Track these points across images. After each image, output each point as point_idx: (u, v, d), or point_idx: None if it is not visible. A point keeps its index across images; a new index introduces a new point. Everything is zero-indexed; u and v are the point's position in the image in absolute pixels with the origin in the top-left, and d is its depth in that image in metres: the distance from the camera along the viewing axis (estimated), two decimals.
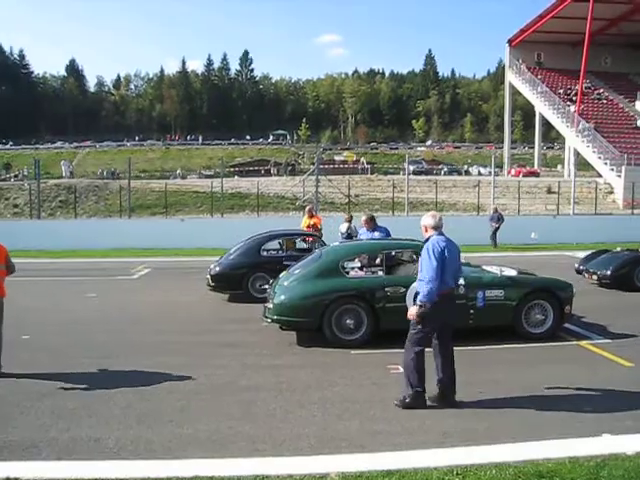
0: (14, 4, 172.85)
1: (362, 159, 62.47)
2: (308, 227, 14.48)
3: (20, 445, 4.72)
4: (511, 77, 52.91)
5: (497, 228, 21.62)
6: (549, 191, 35.60)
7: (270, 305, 8.12)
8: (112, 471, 4.23)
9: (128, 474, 4.18)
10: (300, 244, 13.36)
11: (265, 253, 12.53)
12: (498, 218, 21.78)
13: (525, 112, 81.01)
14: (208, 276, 11.82)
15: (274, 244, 12.92)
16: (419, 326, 5.58)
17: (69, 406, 5.63)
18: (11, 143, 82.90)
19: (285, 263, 10.57)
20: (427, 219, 5.79)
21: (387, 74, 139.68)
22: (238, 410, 5.53)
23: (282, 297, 8.02)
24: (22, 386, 6.27)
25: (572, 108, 43.24)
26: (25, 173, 52.48)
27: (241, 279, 11.56)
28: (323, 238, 13.15)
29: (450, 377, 5.68)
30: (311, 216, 14.93)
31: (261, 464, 4.36)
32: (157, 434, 4.96)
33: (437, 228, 5.72)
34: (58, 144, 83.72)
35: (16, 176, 52.13)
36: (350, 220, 14.18)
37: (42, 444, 4.74)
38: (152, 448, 4.69)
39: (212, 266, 12.01)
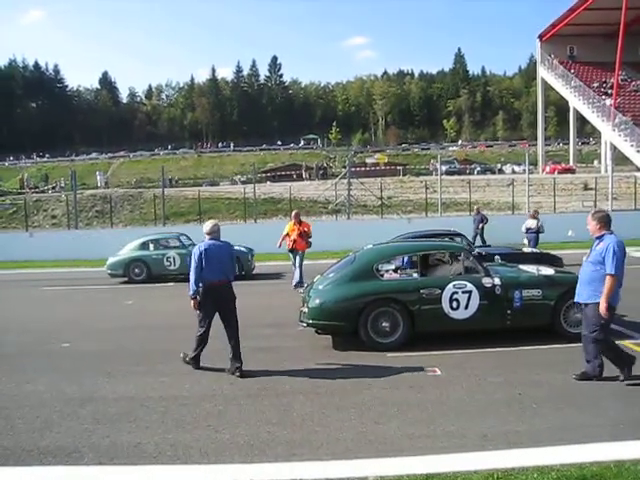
0: (49, 24, 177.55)
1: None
2: (299, 235, 13.91)
3: (63, 450, 4.81)
4: (543, 72, 52.02)
5: (482, 229, 20.68)
6: (586, 187, 34.87)
7: (305, 309, 8.13)
8: (152, 476, 4.28)
9: (168, 479, 4.21)
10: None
11: None
12: (482, 219, 20.87)
13: (558, 107, 79.75)
14: None
15: None
16: (197, 311, 7.07)
17: (109, 412, 5.72)
18: (48, 156, 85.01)
19: None
20: (206, 227, 7.20)
21: (417, 74, 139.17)
22: (275, 415, 5.54)
23: (317, 301, 8.01)
24: (63, 392, 6.39)
25: (608, 101, 42.28)
26: (62, 185, 53.68)
27: None
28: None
29: (235, 344, 7.03)
30: (300, 222, 14.21)
31: (299, 468, 4.36)
32: (195, 439, 4.99)
33: (211, 234, 7.09)
34: (93, 155, 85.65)
35: (54, 188, 53.37)
36: (536, 216, 13.81)
37: (84, 449, 4.82)
38: (190, 453, 4.72)
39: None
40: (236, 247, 15.02)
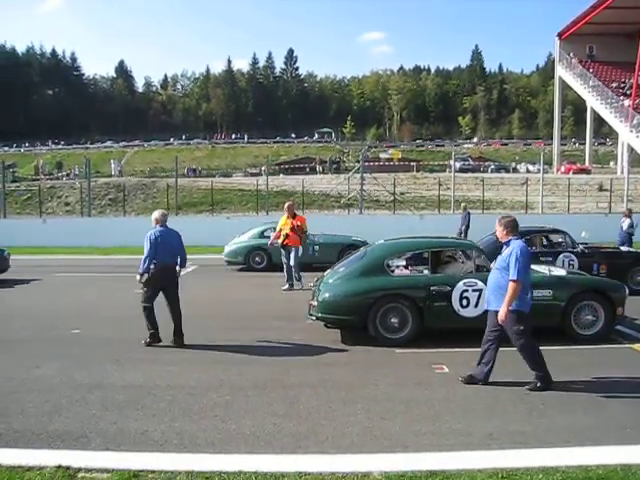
0: (67, 12, 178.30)
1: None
2: (291, 229, 12.81)
3: (71, 435, 4.86)
4: (561, 71, 51.56)
5: (464, 229, 20.26)
6: (601, 188, 34.56)
7: (315, 303, 8.14)
8: (158, 463, 4.31)
9: (173, 467, 4.25)
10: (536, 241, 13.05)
11: None
12: (466, 217, 20.52)
13: (576, 107, 79.08)
14: None
15: (528, 240, 12.55)
16: (145, 288, 7.89)
17: (117, 399, 5.77)
18: (63, 143, 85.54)
19: (541, 259, 11.16)
20: (154, 215, 8.15)
21: (433, 70, 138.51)
22: (282, 407, 5.55)
23: (327, 295, 8.03)
24: (73, 378, 6.45)
25: (626, 102, 41.85)
26: (76, 172, 54.02)
27: None
28: None
29: (178, 319, 7.91)
30: (293, 216, 13.03)
31: (304, 461, 4.37)
32: (202, 428, 5.02)
33: (160, 222, 8.01)
34: (108, 143, 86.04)
35: (68, 175, 53.71)
36: (630, 215, 13.46)
37: (92, 434, 4.87)
38: (197, 442, 4.75)
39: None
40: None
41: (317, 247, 16.08)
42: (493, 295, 6.07)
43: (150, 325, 7.92)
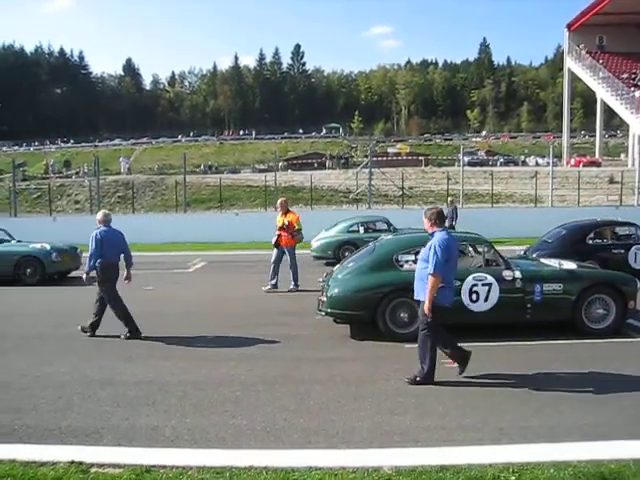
0: (75, 11, 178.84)
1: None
2: (281, 228, 12.11)
3: (83, 431, 4.90)
4: (570, 63, 51.11)
5: (453, 226, 19.75)
6: (611, 181, 34.25)
7: (324, 298, 8.14)
8: (169, 459, 4.33)
9: (185, 462, 4.27)
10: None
11: (591, 242, 12.54)
12: (454, 211, 20.17)
13: (585, 99, 78.31)
14: None
15: (599, 233, 12.81)
16: (102, 288, 8.26)
17: (129, 395, 5.81)
18: (72, 141, 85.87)
19: (614, 252, 11.48)
20: (98, 216, 8.57)
21: (440, 64, 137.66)
22: (292, 402, 5.57)
23: (336, 290, 8.03)
24: (84, 375, 6.50)
25: (637, 93, 41.43)
26: (85, 170, 54.18)
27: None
28: None
29: (101, 312, 8.33)
30: (286, 213, 12.28)
31: (314, 456, 4.38)
32: (212, 424, 5.05)
33: (104, 222, 8.40)
34: (116, 141, 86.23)
35: (77, 173, 53.91)
36: None
37: (103, 430, 4.91)
38: (207, 438, 4.78)
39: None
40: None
41: None
42: (419, 286, 6.13)
43: (126, 320, 8.23)
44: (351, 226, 16.61)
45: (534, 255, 11.57)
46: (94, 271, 8.20)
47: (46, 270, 13.70)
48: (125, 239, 8.55)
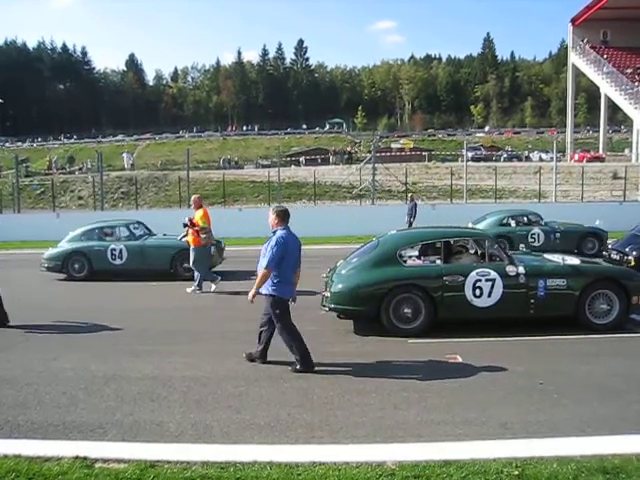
0: (78, 7, 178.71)
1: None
2: (191, 225, 11.35)
3: (88, 426, 4.93)
4: (574, 58, 50.89)
5: (410, 222, 20.04)
6: (615, 176, 34.17)
7: (327, 294, 8.15)
8: (173, 454, 4.35)
9: (189, 457, 4.29)
10: None
11: None
12: (413, 207, 20.27)
13: (589, 94, 78.10)
14: None
15: None
16: None
17: (133, 390, 5.83)
18: (75, 137, 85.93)
19: None
20: None
21: (444, 59, 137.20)
22: (296, 397, 5.58)
23: (339, 286, 8.03)
24: (89, 370, 6.52)
25: None
26: (88, 166, 54.26)
27: None
28: None
29: None
30: (197, 207, 11.70)
31: (318, 451, 4.40)
32: (216, 419, 5.06)
33: None
34: (119, 137, 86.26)
35: (80, 169, 53.99)
36: None
37: (108, 426, 4.93)
38: (212, 433, 4.80)
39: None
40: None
41: (558, 235, 16.05)
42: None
43: None
44: (502, 219, 16.49)
45: (626, 249, 11.53)
46: None
47: None
48: None
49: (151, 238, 13.89)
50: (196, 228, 11.28)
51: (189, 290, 11.41)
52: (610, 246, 13.22)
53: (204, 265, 11.59)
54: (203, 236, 11.27)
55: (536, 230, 15.88)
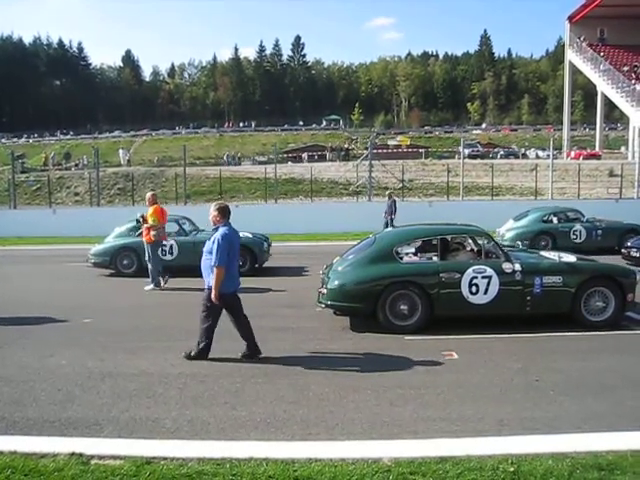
0: (74, 2, 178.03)
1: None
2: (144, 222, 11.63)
3: (84, 423, 4.92)
4: (571, 55, 50.93)
5: (390, 217, 20.04)
6: (611, 174, 34.17)
7: (324, 290, 8.15)
8: (169, 450, 4.35)
9: (185, 454, 4.29)
10: None
11: None
12: (392, 205, 20.20)
13: (586, 92, 78.07)
14: None
15: None
16: None
17: (129, 387, 5.82)
18: (71, 133, 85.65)
19: None
20: None
21: (441, 56, 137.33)
22: (292, 394, 5.59)
23: (336, 282, 8.03)
24: (85, 367, 6.51)
25: (638, 86, 41.30)
26: (85, 162, 54.04)
27: None
28: None
29: None
30: (150, 205, 11.72)
31: (314, 447, 4.40)
32: (213, 416, 5.06)
33: None
34: (116, 133, 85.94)
35: (76, 165, 53.79)
36: None
37: (104, 422, 4.93)
38: (208, 429, 4.80)
39: None
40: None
41: (600, 232, 16.10)
42: (205, 274, 6.63)
43: None
44: (544, 216, 16.56)
45: None
46: None
47: (257, 261, 12.83)
48: None
49: (201, 233, 13.70)
50: (147, 225, 11.52)
51: (147, 288, 11.53)
52: (629, 243, 13.31)
53: (156, 261, 11.69)
54: (153, 233, 11.46)
55: (578, 227, 16.03)
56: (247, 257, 12.61)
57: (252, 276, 12.00)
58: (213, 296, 6.41)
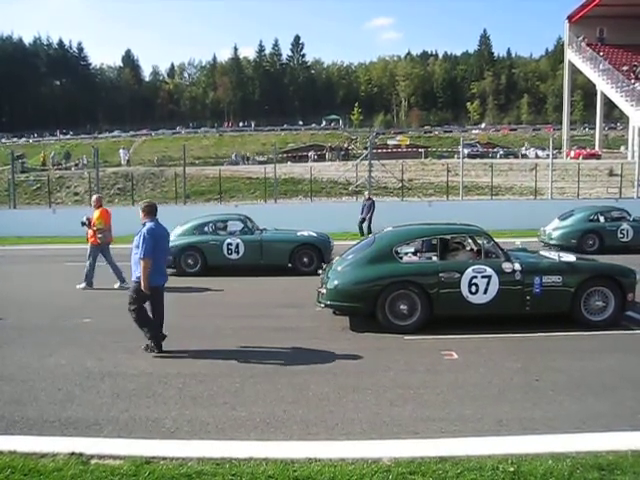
0: (74, 2, 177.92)
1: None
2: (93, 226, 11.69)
3: (84, 422, 4.92)
4: (571, 55, 50.89)
5: (368, 218, 19.97)
6: (611, 174, 34.16)
7: (324, 290, 8.15)
8: (169, 450, 4.35)
9: (184, 453, 4.29)
10: None
11: None
12: (369, 207, 20.14)
13: (585, 91, 78.13)
14: None
15: None
16: None
17: (128, 387, 5.82)
18: (71, 133, 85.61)
19: None
20: None
21: (441, 56, 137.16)
22: (292, 394, 5.59)
23: (335, 282, 8.03)
24: (84, 367, 6.51)
25: (637, 86, 41.29)
26: (85, 162, 53.99)
27: None
28: None
29: None
30: (96, 207, 11.93)
31: (314, 447, 4.40)
32: (212, 415, 5.06)
33: None
34: (115, 133, 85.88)
35: (76, 165, 53.73)
36: None
37: (103, 422, 4.93)
38: (207, 429, 4.80)
39: None
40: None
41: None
42: (133, 268, 7.00)
43: None
44: (590, 215, 16.61)
45: None
46: None
47: (324, 259, 12.47)
48: None
49: (267, 232, 13.67)
50: (93, 228, 11.67)
51: (79, 287, 11.72)
52: None
53: (94, 262, 11.81)
54: (99, 235, 11.67)
55: (625, 226, 16.13)
56: (313, 255, 12.83)
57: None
58: (143, 286, 6.71)
